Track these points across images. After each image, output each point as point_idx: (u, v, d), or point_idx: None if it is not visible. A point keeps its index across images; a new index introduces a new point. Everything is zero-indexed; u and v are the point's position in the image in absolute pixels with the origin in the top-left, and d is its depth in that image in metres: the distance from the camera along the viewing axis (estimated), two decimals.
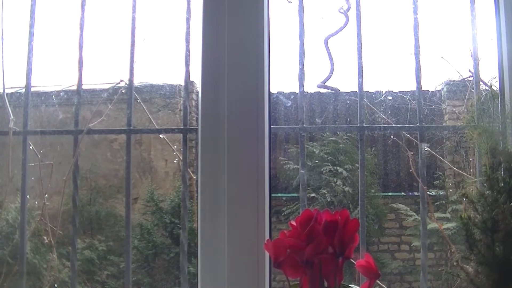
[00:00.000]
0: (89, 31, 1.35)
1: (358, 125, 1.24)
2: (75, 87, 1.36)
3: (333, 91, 3.90)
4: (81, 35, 1.31)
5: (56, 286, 2.95)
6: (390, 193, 4.21)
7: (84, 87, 1.36)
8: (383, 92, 3.88)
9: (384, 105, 3.86)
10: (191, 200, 3.67)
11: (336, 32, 1.47)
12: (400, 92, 3.94)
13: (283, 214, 3.99)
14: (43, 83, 3.79)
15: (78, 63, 1.32)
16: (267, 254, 1.07)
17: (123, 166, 4.07)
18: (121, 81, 2.81)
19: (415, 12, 1.27)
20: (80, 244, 3.74)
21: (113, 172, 4.23)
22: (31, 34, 1.32)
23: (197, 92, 1.20)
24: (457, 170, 3.68)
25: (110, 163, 4.24)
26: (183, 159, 1.27)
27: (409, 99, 3.81)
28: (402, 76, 4.02)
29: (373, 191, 4.03)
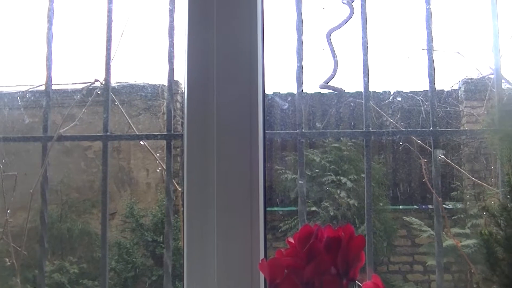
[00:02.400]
0: (59, 24, 1.35)
1: (364, 129, 1.25)
2: (43, 88, 1.35)
3: (336, 92, 3.92)
4: (49, 29, 1.31)
5: None
6: (400, 206, 4.22)
7: (54, 87, 1.36)
8: (392, 93, 3.90)
9: (393, 107, 3.88)
10: (176, 216, 3.67)
11: (340, 26, 1.48)
12: (411, 92, 3.96)
13: (280, 230, 3.99)
14: (5, 82, 3.79)
15: (46, 60, 1.32)
16: (262, 276, 1.07)
17: (98, 177, 4.06)
18: (96, 80, 2.80)
19: (428, 2, 1.27)
20: (48, 266, 3.71)
21: (87, 184, 4.21)
22: None
23: (183, 93, 1.20)
24: (476, 180, 3.70)
25: (83, 173, 4.22)
26: (166, 168, 1.27)
27: (421, 100, 3.83)
28: (413, 74, 4.04)
29: (381, 204, 4.04)
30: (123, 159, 4.25)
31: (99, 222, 1.30)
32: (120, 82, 4.03)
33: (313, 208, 3.95)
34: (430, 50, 1.27)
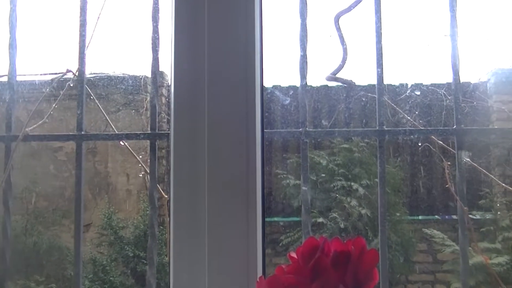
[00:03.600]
0: (25, 6, 1.35)
1: (377, 128, 1.25)
2: (5, 79, 1.35)
3: (345, 85, 3.92)
4: (13, 10, 1.31)
5: None
6: (420, 217, 4.23)
7: (18, 78, 1.35)
8: (410, 86, 3.91)
9: (410, 102, 3.89)
10: (161, 227, 3.66)
11: (349, 8, 1.48)
12: (432, 85, 3.97)
13: (280, 244, 4.00)
14: None
15: (9, 47, 1.32)
16: None
17: (71, 182, 4.06)
18: (69, 71, 2.79)
19: None
20: (11, 287, 3.70)
21: (58, 190, 4.21)
22: None
23: (169, 86, 1.20)
24: (508, 186, 3.71)
25: (53, 179, 4.22)
26: (150, 172, 1.28)
27: (443, 93, 3.84)
28: (435, 64, 4.05)
29: (398, 214, 4.05)
30: (100, 162, 4.25)
31: (71, 235, 1.30)
32: (96, 73, 4.03)
33: (319, 219, 3.96)
34: (454, 36, 1.28)
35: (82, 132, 1.30)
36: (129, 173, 4.22)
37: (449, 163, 3.01)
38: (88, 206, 4.13)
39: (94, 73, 4.00)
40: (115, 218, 4.12)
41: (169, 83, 1.15)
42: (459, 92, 1.29)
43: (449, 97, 3.72)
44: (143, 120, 4.04)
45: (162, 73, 3.91)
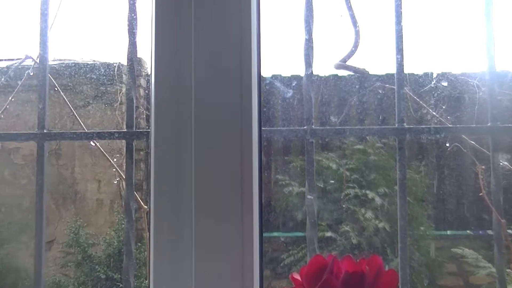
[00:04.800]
0: None
1: (397, 125, 1.26)
2: None
3: (358, 74, 3.92)
4: None
5: None
6: (448, 232, 4.23)
7: None
8: (435, 75, 3.91)
9: (436, 94, 3.89)
10: (140, 244, 3.65)
11: None
12: (462, 74, 3.97)
13: (281, 264, 4.00)
14: None
15: None
16: None
17: (30, 191, 4.05)
18: (28, 57, 2.80)
19: None
20: None
21: (14, 200, 4.20)
22: None
23: (148, 75, 1.20)
24: None
25: (8, 186, 4.21)
26: (126, 179, 1.28)
27: (476, 84, 3.84)
28: (466, 49, 4.06)
29: (422, 228, 4.05)
30: (65, 167, 4.24)
31: (31, 254, 1.30)
32: (62, 60, 4.02)
33: (328, 233, 3.96)
34: (489, 16, 1.28)
35: (45, 131, 1.30)
36: (100, 179, 4.22)
37: (483, 167, 3.01)
38: (51, 219, 4.12)
39: (58, 60, 3.99)
40: (83, 233, 4.11)
41: (149, 72, 1.16)
42: (495, 83, 1.29)
43: (483, 89, 3.72)
44: (117, 116, 4.03)
45: (140, 60, 3.90)
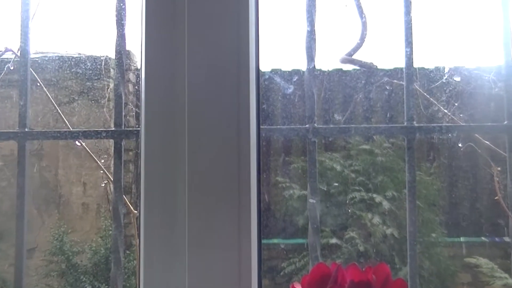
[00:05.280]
0: None
1: (405, 124, 1.26)
2: None
3: (364, 69, 3.92)
4: None
5: None
6: (462, 238, 4.23)
7: None
8: (447, 70, 3.91)
9: (448, 90, 3.88)
10: (128, 252, 3.65)
11: None
12: (476, 69, 3.97)
13: (282, 273, 3.99)
14: None
15: None
16: None
17: (11, 194, 4.04)
18: (8, 50, 2.80)
19: None
20: None
21: None
22: None
23: (138, 69, 1.20)
24: None
25: None
26: (114, 181, 1.28)
27: (492, 80, 3.84)
28: (480, 42, 4.05)
29: (433, 234, 4.05)
30: (48, 168, 4.24)
31: (10, 262, 1.30)
32: (44, 53, 4.02)
33: (332, 240, 3.96)
34: (506, 5, 1.28)
35: (26, 129, 1.30)
36: (86, 181, 4.22)
37: (499, 168, 3.01)
38: (33, 225, 4.11)
39: (41, 53, 3.98)
40: (67, 240, 4.11)
41: (139, 66, 1.16)
42: None
43: (499, 84, 3.72)
44: (105, 113, 4.03)
45: (129, 53, 3.89)
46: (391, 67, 4.00)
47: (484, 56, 4.02)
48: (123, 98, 1.31)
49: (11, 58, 2.78)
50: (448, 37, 3.89)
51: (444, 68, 3.92)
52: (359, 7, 1.49)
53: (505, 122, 1.28)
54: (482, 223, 4.24)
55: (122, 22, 1.27)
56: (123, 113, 1.31)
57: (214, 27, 1.12)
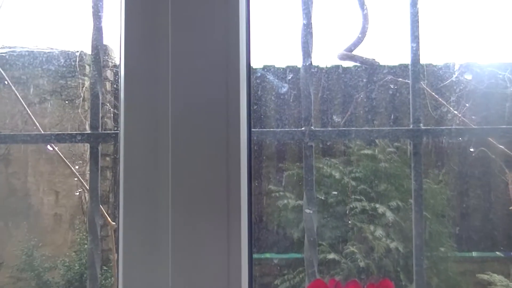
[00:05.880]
0: None
1: (411, 126, 1.26)
2: None
3: (366, 66, 3.93)
4: None
5: None
6: (474, 253, 4.24)
7: None
8: (457, 67, 3.92)
9: (458, 89, 3.90)
10: (106, 268, 3.64)
11: None
12: (489, 65, 3.98)
13: None
14: None
15: None
16: None
17: None
18: None
19: None
20: None
21: None
22: None
23: (116, 66, 1.20)
24: None
25: None
26: (90, 189, 1.28)
27: (507, 78, 3.85)
28: (494, 36, 4.06)
29: (442, 249, 4.06)
30: (16, 175, 4.23)
31: None
32: (12, 47, 4.01)
33: (330, 255, 3.96)
34: None
35: None
36: (59, 190, 4.21)
37: None
38: None
39: (8, 47, 3.98)
40: (38, 255, 4.10)
41: (117, 63, 1.16)
42: None
43: None
44: (80, 114, 4.03)
45: (106, 48, 3.89)
46: (396, 64, 4.01)
47: (499, 51, 4.04)
48: (100, 97, 1.31)
49: None
50: (458, 31, 3.91)
51: (454, 65, 3.93)
52: None
53: None
54: (496, 236, 4.26)
55: (99, 14, 1.27)
56: (100, 114, 1.31)
57: (200, 19, 1.12)
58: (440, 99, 3.65)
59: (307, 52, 1.27)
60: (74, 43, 4.06)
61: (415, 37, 1.28)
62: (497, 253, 4.21)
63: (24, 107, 2.92)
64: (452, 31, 3.80)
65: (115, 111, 3.81)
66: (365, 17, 1.49)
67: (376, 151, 4.19)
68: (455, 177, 4.27)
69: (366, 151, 4.19)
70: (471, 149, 3.96)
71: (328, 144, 4.18)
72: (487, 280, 4.01)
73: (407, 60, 1.29)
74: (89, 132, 1.29)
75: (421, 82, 1.26)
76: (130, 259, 1.12)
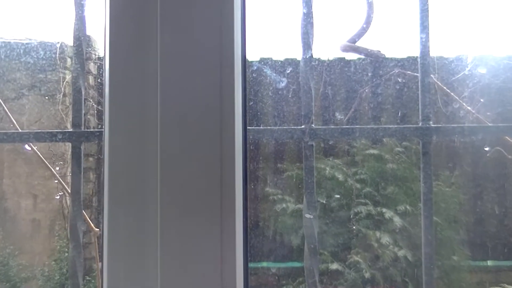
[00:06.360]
0: None
1: (421, 124, 1.27)
2: None
3: (370, 58, 3.93)
4: None
5: None
6: (489, 262, 4.24)
7: None
8: (471, 59, 3.92)
9: (472, 84, 3.90)
10: (88, 278, 3.63)
11: None
12: (506, 58, 3.98)
13: None
14: None
15: None
16: None
17: None
18: None
19: None
20: None
21: None
22: None
23: (100, 58, 1.20)
24: None
25: None
26: (72, 193, 1.28)
27: None
28: (509, 27, 4.07)
29: (455, 257, 4.06)
30: None
31: None
32: None
33: (332, 265, 3.97)
34: None
35: None
36: (38, 193, 4.21)
37: None
38: None
39: None
40: (14, 264, 4.10)
41: (101, 55, 1.16)
42: None
43: None
44: (60, 111, 4.02)
45: (89, 38, 3.89)
46: (403, 56, 4.01)
47: None
48: (83, 93, 1.31)
49: None
50: (471, 20, 3.91)
51: (467, 57, 3.93)
52: None
53: None
54: None
55: (82, 1, 1.27)
56: (83, 111, 1.31)
57: (192, 7, 1.12)
58: (452, 94, 3.66)
59: (307, 43, 1.27)
60: (54, 33, 4.06)
61: (424, 27, 1.28)
62: None
63: (0, 103, 2.92)
64: (464, 21, 3.80)
65: (99, 107, 3.81)
66: (370, 6, 1.49)
67: (383, 151, 4.19)
68: (468, 179, 4.28)
69: (371, 151, 4.19)
70: (486, 149, 3.97)
71: (330, 143, 4.18)
72: None
73: (415, 52, 1.29)
74: (71, 130, 1.29)
75: (431, 76, 1.26)
76: (115, 268, 1.12)
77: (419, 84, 1.29)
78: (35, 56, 4.09)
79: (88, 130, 1.29)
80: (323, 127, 1.41)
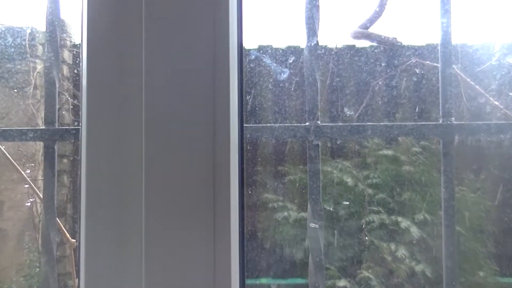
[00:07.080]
0: None
1: (441, 121, 1.27)
2: None
3: (384, 46, 3.93)
4: None
5: None
6: None
7: None
8: (498, 47, 3.92)
9: (500, 75, 3.90)
10: None
11: None
12: None
13: None
14: None
15: None
16: None
17: None
18: None
19: None
20: None
21: None
22: None
23: (76, 45, 1.21)
24: None
25: None
26: (44, 199, 1.28)
27: None
28: None
29: (481, 273, 4.07)
30: None
31: None
32: None
33: (340, 282, 3.97)
34: None
35: None
36: (4, 199, 4.22)
37: None
38: None
39: None
40: None
41: (78, 42, 1.16)
42: None
43: None
44: (31, 106, 4.03)
45: (64, 23, 3.89)
46: (422, 44, 4.01)
47: None
48: (57, 85, 1.31)
49: None
50: (499, 3, 3.92)
51: (494, 45, 3.94)
52: None
53: None
54: None
55: None
56: (57, 106, 1.31)
57: None
58: (477, 87, 3.66)
59: (312, 29, 1.28)
60: (24, 17, 4.06)
61: (446, 11, 1.28)
62: None
63: None
64: (491, 3, 3.81)
65: (75, 101, 3.81)
66: None
67: (398, 151, 4.20)
68: (495, 184, 4.28)
69: (385, 152, 4.20)
70: None
71: (338, 143, 4.19)
72: None
73: (436, 39, 1.30)
74: (43, 127, 1.29)
75: (454, 66, 1.26)
76: (93, 285, 1.12)
77: (440, 75, 1.30)
78: (2, 43, 4.10)
79: (63, 127, 1.29)
80: (330, 124, 1.41)
